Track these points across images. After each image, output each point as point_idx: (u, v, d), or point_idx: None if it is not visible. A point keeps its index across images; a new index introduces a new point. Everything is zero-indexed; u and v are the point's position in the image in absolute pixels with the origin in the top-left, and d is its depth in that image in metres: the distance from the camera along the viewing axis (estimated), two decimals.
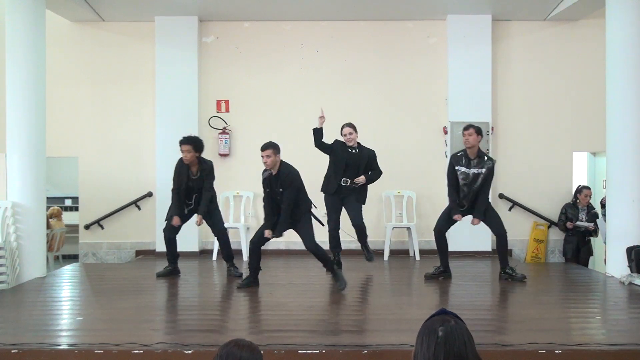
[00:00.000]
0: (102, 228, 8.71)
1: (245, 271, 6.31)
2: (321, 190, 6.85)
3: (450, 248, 8.39)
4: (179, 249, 8.39)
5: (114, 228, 8.73)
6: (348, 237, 7.27)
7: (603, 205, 7.51)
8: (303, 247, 5.94)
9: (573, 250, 7.97)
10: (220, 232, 6.75)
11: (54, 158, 8.37)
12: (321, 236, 6.69)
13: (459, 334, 2.03)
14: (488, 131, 8.49)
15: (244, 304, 5.70)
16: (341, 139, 6.84)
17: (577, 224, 7.84)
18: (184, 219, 6.59)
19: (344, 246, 7.10)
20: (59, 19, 8.55)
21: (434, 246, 8.56)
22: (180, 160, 6.51)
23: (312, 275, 6.75)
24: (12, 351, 3.83)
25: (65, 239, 9.60)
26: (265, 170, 5.88)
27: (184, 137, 6.50)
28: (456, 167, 6.20)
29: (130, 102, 8.80)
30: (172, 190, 6.54)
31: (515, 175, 8.67)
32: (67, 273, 7.28)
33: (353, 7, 8.32)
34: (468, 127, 6.22)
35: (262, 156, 5.73)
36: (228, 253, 6.74)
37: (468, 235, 8.20)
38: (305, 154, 8.64)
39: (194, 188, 6.53)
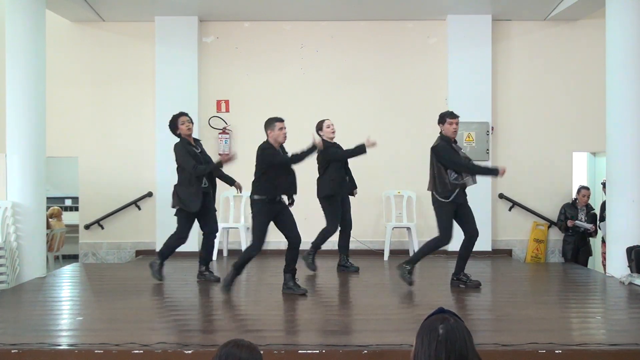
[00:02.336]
0: (102, 228, 8.71)
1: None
2: (331, 194, 6.56)
3: (451, 248, 8.45)
4: (179, 249, 8.42)
5: (114, 228, 8.73)
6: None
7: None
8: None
9: (572, 251, 7.97)
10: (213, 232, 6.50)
11: (54, 158, 8.37)
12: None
13: (459, 332, 2.03)
14: (488, 131, 8.50)
15: (244, 304, 5.71)
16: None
17: (577, 223, 7.84)
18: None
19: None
20: (59, 19, 8.55)
21: None
22: (183, 139, 6.24)
23: (312, 275, 6.74)
24: (12, 351, 3.83)
25: (65, 239, 9.59)
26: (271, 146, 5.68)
27: (180, 112, 6.38)
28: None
29: (130, 102, 8.80)
30: (193, 170, 6.03)
31: (515, 175, 8.65)
32: (67, 273, 7.29)
33: (353, 7, 8.32)
34: (455, 115, 5.96)
35: (283, 127, 5.65)
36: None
37: None
38: None
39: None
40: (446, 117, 5.94)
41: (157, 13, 8.50)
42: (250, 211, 8.50)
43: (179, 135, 6.30)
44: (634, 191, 6.55)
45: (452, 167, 5.73)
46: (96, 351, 3.82)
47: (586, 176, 9.33)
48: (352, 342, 4.00)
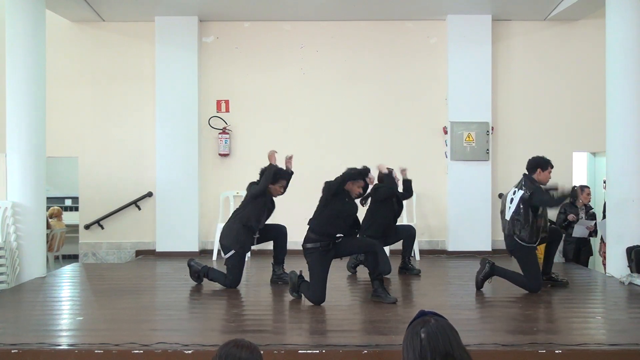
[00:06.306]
0: (102, 228, 8.71)
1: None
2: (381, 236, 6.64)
3: (450, 248, 8.48)
4: (179, 249, 8.49)
5: (114, 228, 8.74)
6: None
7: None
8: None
9: (573, 250, 7.97)
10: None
11: (54, 158, 8.37)
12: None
13: (441, 332, 2.01)
14: (488, 131, 8.50)
15: (244, 304, 5.70)
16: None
17: (575, 231, 7.84)
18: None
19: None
20: (59, 19, 8.55)
21: (434, 246, 8.69)
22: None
23: None
24: (12, 351, 3.84)
25: (65, 239, 9.60)
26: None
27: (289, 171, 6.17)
28: None
29: (130, 102, 8.80)
30: (258, 189, 6.00)
31: (515, 175, 8.60)
32: (67, 273, 7.29)
33: (353, 7, 8.32)
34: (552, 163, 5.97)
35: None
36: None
37: (468, 235, 8.21)
38: (303, 154, 8.65)
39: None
40: (549, 165, 5.91)
41: (157, 13, 8.50)
42: None
43: (265, 186, 6.02)
44: (634, 191, 6.55)
45: (545, 206, 5.77)
46: (96, 351, 3.83)
47: (586, 176, 9.33)
48: (352, 342, 4.00)
